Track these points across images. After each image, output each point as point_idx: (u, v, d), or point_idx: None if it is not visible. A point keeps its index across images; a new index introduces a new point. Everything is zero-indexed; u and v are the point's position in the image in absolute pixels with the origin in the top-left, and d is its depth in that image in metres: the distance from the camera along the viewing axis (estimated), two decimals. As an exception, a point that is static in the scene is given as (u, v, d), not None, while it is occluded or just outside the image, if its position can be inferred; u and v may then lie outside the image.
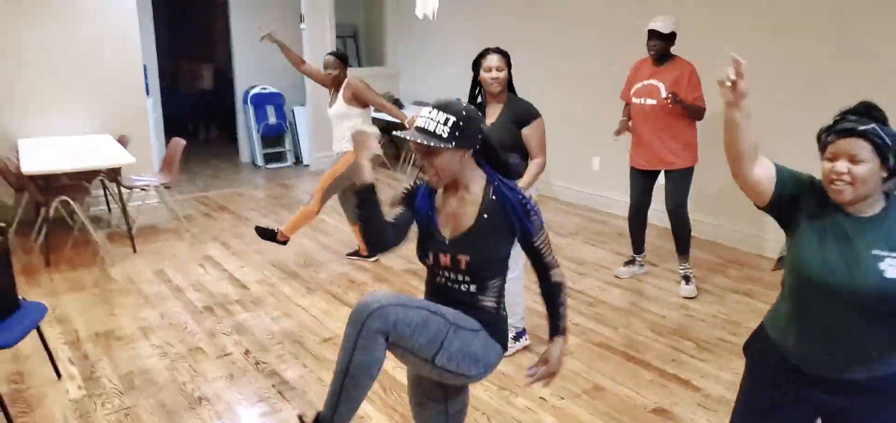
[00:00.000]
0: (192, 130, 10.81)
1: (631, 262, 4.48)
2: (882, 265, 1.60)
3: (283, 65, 4.45)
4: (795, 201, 1.72)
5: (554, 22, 6.19)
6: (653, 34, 3.91)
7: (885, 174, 1.63)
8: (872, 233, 1.63)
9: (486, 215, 1.84)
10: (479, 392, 3.08)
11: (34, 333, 3.02)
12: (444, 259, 1.85)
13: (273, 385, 3.16)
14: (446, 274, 1.87)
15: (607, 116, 4.93)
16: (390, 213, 1.90)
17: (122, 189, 5.11)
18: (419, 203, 1.92)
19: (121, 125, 5.88)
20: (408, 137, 1.83)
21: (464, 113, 1.80)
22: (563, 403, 3.00)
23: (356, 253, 4.86)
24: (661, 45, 3.91)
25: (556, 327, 2.00)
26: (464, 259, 1.82)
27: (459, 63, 7.12)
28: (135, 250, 5.00)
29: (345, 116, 4.47)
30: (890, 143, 1.61)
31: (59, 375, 3.18)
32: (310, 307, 4.03)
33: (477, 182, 1.87)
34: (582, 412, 2.93)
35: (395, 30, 8.44)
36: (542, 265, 1.93)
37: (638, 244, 4.43)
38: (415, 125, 1.83)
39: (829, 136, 1.66)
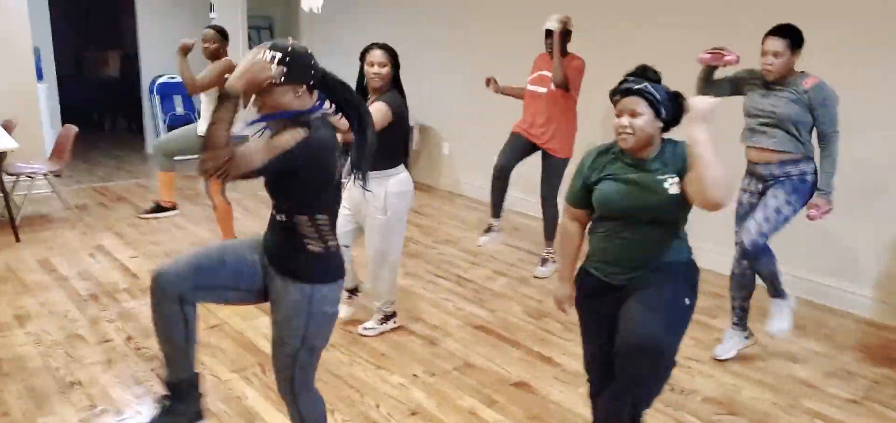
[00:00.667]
0: (98, 120, 10.47)
1: (489, 229, 4.44)
2: (667, 185, 2.05)
3: (194, 53, 4.40)
4: (590, 184, 2.20)
5: (476, 19, 6.37)
6: (548, 33, 4.23)
7: (660, 125, 2.04)
8: (654, 164, 2.07)
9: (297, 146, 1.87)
10: (356, 370, 3.22)
11: None
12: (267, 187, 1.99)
13: (152, 369, 3.19)
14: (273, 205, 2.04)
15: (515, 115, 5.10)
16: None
17: (5, 176, 4.96)
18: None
19: (7, 110, 5.67)
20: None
21: (289, 49, 1.89)
22: (433, 379, 3.18)
23: (157, 208, 4.98)
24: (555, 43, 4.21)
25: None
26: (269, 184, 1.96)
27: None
28: (18, 239, 4.87)
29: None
30: (660, 98, 2.01)
31: (-77, 362, 3.12)
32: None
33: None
34: (450, 387, 3.11)
35: (309, 23, 8.46)
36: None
37: (497, 208, 4.40)
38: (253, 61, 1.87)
39: (615, 96, 2.06)
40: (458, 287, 4.31)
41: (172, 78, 8.19)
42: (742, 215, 3.32)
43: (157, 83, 8.20)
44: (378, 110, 3.13)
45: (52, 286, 4.10)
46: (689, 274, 2.18)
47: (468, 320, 3.82)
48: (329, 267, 2.04)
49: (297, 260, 2.00)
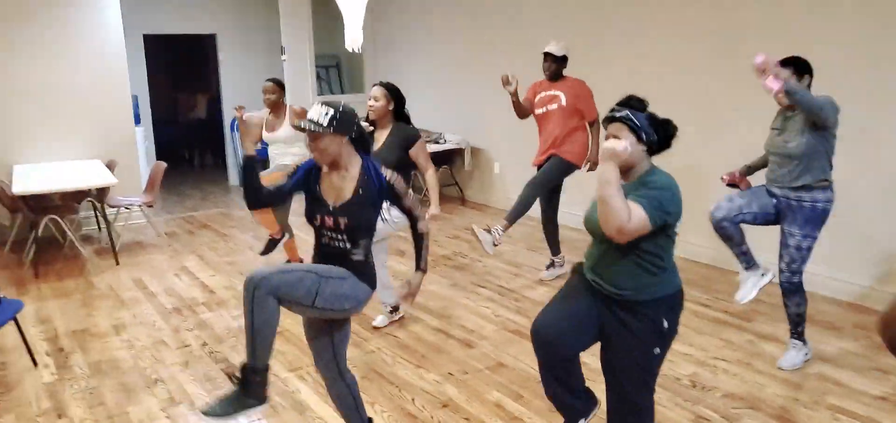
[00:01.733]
0: (188, 157, 11.44)
1: (551, 265, 4.92)
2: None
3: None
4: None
5: (523, 44, 6.70)
6: (547, 56, 4.51)
7: (643, 148, 2.22)
8: (631, 187, 2.22)
9: (361, 190, 2.40)
10: (398, 370, 3.56)
11: (16, 332, 3.54)
12: (329, 221, 2.41)
13: (221, 369, 3.64)
14: (329, 234, 2.43)
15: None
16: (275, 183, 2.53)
17: (108, 208, 5.66)
18: (300, 177, 2.50)
19: (110, 152, 6.45)
20: (302, 125, 2.38)
21: (341, 108, 2.39)
22: (466, 377, 3.47)
23: (270, 244, 5.10)
24: (556, 66, 4.50)
25: (418, 263, 2.59)
26: (343, 222, 2.38)
27: (434, 86, 7.67)
28: (118, 263, 5.54)
29: (294, 139, 4.95)
30: (639, 124, 2.21)
31: (35, 363, 3.69)
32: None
33: (354, 164, 2.43)
34: (480, 383, 3.39)
35: (374, 59, 9.01)
36: (410, 219, 2.54)
37: (554, 246, 4.87)
38: (307, 116, 2.40)
39: (604, 123, 2.30)
40: (497, 296, 4.58)
41: (251, 116, 8.90)
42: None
43: (236, 121, 8.95)
44: (422, 148, 3.77)
45: (143, 301, 4.68)
46: (661, 316, 2.25)
47: (504, 325, 4.09)
48: (364, 275, 2.48)
49: (349, 268, 2.46)
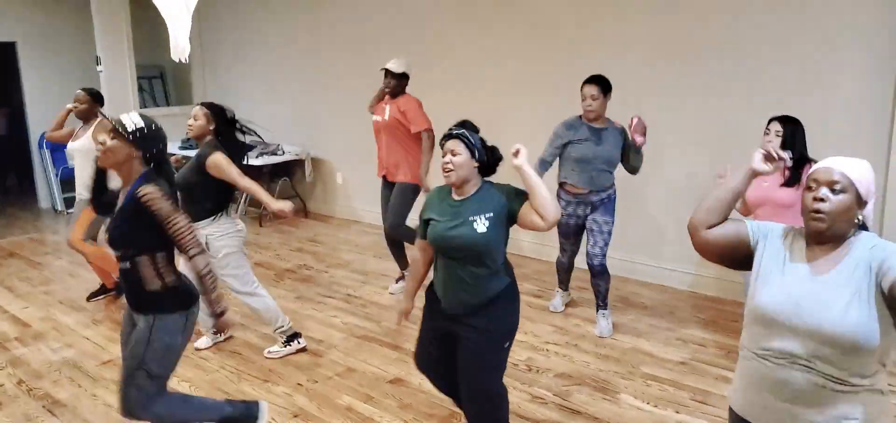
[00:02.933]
0: (-12, 179, 10.16)
1: (401, 279, 4.87)
2: (476, 225, 2.41)
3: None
4: (426, 219, 2.57)
5: (338, 62, 6.75)
6: (387, 73, 4.50)
7: (476, 165, 2.47)
8: (470, 205, 2.45)
9: (126, 203, 2.38)
10: (244, 386, 3.48)
11: None
12: (108, 233, 2.46)
13: (43, 406, 3.34)
14: (114, 251, 2.44)
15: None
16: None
17: None
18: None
19: None
20: (109, 118, 2.44)
21: (153, 126, 2.39)
22: (316, 385, 3.48)
23: (101, 291, 4.82)
24: (394, 83, 4.50)
25: (211, 313, 2.52)
26: (110, 231, 2.43)
27: (270, 95, 7.49)
28: None
29: (94, 153, 4.59)
30: (474, 142, 2.47)
31: None
32: (93, 336, 4.19)
33: (133, 179, 2.39)
34: (331, 390, 3.43)
35: (201, 69, 8.62)
36: (181, 250, 2.40)
37: (402, 260, 4.84)
38: (118, 118, 2.39)
39: (441, 141, 2.51)
40: (345, 304, 4.63)
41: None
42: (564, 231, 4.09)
43: (46, 138, 8.12)
44: (221, 163, 3.50)
45: (-61, 343, 4.13)
46: (505, 311, 2.54)
47: (352, 332, 4.15)
48: (168, 299, 2.43)
49: (144, 298, 2.42)
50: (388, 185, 4.69)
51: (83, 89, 4.76)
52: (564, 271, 4.32)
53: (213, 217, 3.60)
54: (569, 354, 3.77)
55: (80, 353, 3.95)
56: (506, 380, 3.40)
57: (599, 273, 3.96)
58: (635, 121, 3.67)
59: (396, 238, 4.69)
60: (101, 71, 7.63)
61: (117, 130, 2.34)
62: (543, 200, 2.32)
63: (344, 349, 3.89)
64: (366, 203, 6.82)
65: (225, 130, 3.65)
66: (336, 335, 4.10)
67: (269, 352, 3.83)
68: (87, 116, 4.66)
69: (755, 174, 1.82)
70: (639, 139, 3.69)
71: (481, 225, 2.41)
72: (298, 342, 3.88)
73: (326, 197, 7.28)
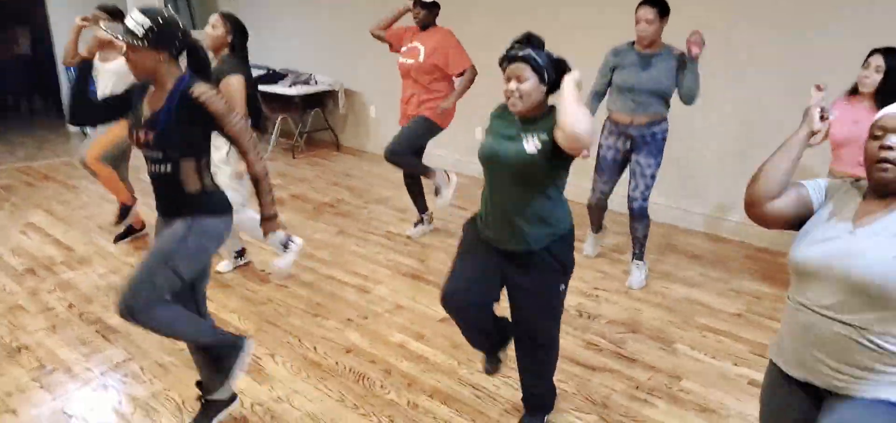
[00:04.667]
0: (14, 102, 10.12)
1: (419, 222, 4.69)
2: (525, 143, 2.18)
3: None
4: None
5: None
6: (416, 3, 4.23)
7: (544, 88, 2.19)
8: (535, 125, 2.21)
9: (170, 103, 2.19)
10: (294, 320, 3.46)
11: None
12: (141, 135, 2.24)
13: (96, 330, 3.34)
14: (148, 154, 2.27)
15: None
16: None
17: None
18: (128, 90, 2.35)
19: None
20: (111, 34, 2.23)
21: (159, 19, 2.17)
22: (366, 321, 3.46)
23: (123, 212, 4.56)
24: (424, 14, 4.23)
25: (262, 213, 2.44)
26: (152, 135, 2.21)
27: (304, 22, 7.29)
28: (-55, 221, 4.83)
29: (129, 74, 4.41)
30: (542, 63, 2.17)
31: None
32: (137, 263, 4.17)
33: (172, 80, 2.22)
34: (381, 326, 3.40)
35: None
36: (238, 152, 2.35)
37: (420, 204, 4.65)
38: (122, 26, 2.18)
39: (502, 62, 2.21)
40: (387, 240, 4.58)
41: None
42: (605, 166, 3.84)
43: (64, 64, 8.00)
44: (233, 87, 3.37)
45: (-15, 263, 4.14)
46: (560, 257, 2.32)
47: (398, 269, 4.10)
48: (210, 202, 2.34)
49: (182, 201, 2.30)
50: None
51: (100, 7, 4.32)
52: (594, 212, 4.01)
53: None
54: (619, 301, 3.71)
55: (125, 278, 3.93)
56: (557, 324, 3.39)
57: (638, 217, 3.77)
58: (694, 35, 3.40)
59: (396, 163, 4.38)
60: (129, -10, 7.47)
61: (129, 43, 2.15)
62: (565, 108, 2.05)
63: (391, 287, 3.86)
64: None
65: (240, 45, 3.54)
66: (382, 272, 4.06)
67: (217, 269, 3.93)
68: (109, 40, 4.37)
69: (812, 134, 1.70)
70: (694, 50, 3.39)
71: (531, 145, 2.16)
72: (294, 242, 3.81)
73: (358, 131, 7.16)
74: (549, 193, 2.27)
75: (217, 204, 2.34)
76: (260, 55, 8.16)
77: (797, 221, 1.69)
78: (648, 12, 3.51)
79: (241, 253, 4.08)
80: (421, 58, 4.23)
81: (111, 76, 4.42)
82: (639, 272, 3.91)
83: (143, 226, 4.64)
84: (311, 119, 7.16)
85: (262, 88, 6.60)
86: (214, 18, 3.52)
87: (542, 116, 2.21)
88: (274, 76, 7.00)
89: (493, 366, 2.70)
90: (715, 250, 4.47)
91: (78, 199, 5.45)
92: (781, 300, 3.71)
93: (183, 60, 2.31)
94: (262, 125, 3.66)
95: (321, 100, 7.09)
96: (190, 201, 2.28)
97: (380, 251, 4.39)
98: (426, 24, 4.28)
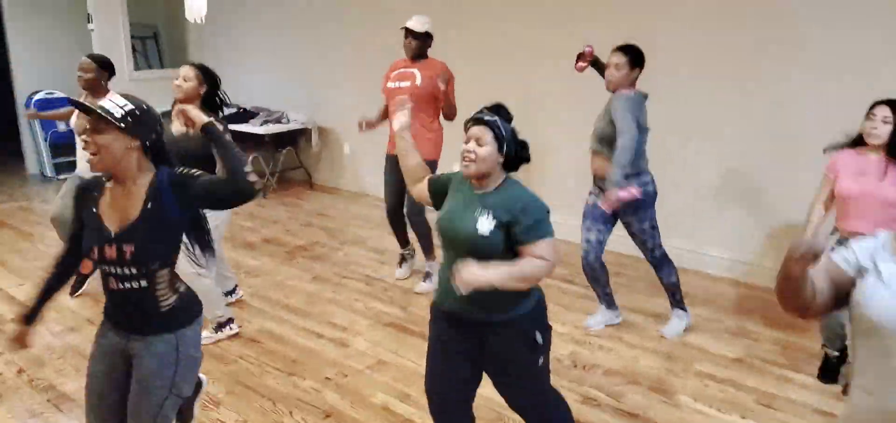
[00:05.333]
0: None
1: (402, 260, 4.50)
2: (479, 224, 2.05)
3: (69, 66, 4.02)
4: (445, 190, 2.24)
5: (349, 25, 6.36)
6: (408, 32, 4.06)
7: (501, 159, 2.11)
8: (487, 199, 2.10)
9: (150, 204, 1.92)
10: (268, 380, 3.20)
11: None
12: (110, 251, 1.91)
13: (48, 400, 3.04)
14: (115, 271, 1.94)
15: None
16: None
17: None
18: (80, 203, 2.03)
19: None
20: (88, 105, 1.92)
21: (144, 106, 1.95)
22: (346, 380, 3.21)
23: (80, 280, 4.28)
24: (417, 44, 4.06)
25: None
26: (129, 249, 1.90)
27: (275, 59, 7.08)
28: None
29: None
30: (505, 134, 2.10)
31: None
32: (97, 319, 3.85)
33: (145, 175, 1.96)
34: (363, 385, 3.15)
35: (198, 29, 8.17)
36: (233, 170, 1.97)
37: (402, 239, 4.46)
38: (99, 104, 1.91)
39: (467, 123, 2.15)
40: (365, 286, 4.34)
41: (50, 93, 7.70)
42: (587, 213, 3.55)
43: (34, 100, 7.68)
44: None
45: (-73, 324, 3.80)
46: (529, 334, 2.16)
47: (378, 319, 3.86)
48: (188, 309, 2.08)
49: (157, 316, 2.01)
50: (396, 162, 4.22)
51: (89, 56, 4.11)
52: (589, 277, 3.58)
53: None
54: (614, 348, 3.52)
55: (85, 338, 3.63)
56: (553, 378, 3.16)
57: (658, 267, 3.55)
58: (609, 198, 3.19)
59: (416, 226, 4.24)
60: (92, 29, 7.19)
61: (103, 119, 1.86)
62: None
63: (371, 339, 3.61)
64: (374, 176, 6.46)
65: (211, 97, 3.36)
66: (361, 322, 3.82)
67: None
68: (93, 88, 4.02)
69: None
70: (605, 207, 3.27)
71: (485, 224, 2.04)
72: (231, 328, 3.60)
73: (333, 168, 6.93)
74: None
75: (193, 309, 2.10)
76: (230, 93, 7.89)
77: (843, 296, 1.55)
78: (618, 58, 3.33)
79: (223, 324, 3.64)
80: (418, 81, 4.04)
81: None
82: (677, 321, 3.64)
83: (91, 270, 4.27)
84: (283, 158, 6.91)
85: (232, 126, 6.34)
86: (185, 70, 3.30)
87: (497, 191, 2.12)
88: (245, 115, 6.76)
89: None
90: (705, 287, 4.31)
91: (34, 248, 5.12)
92: (780, 342, 3.55)
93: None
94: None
95: (294, 138, 6.86)
96: (167, 317, 2.01)
97: (358, 298, 4.14)
98: (418, 55, 4.11)
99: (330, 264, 4.74)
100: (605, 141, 3.31)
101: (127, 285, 1.95)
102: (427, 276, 4.31)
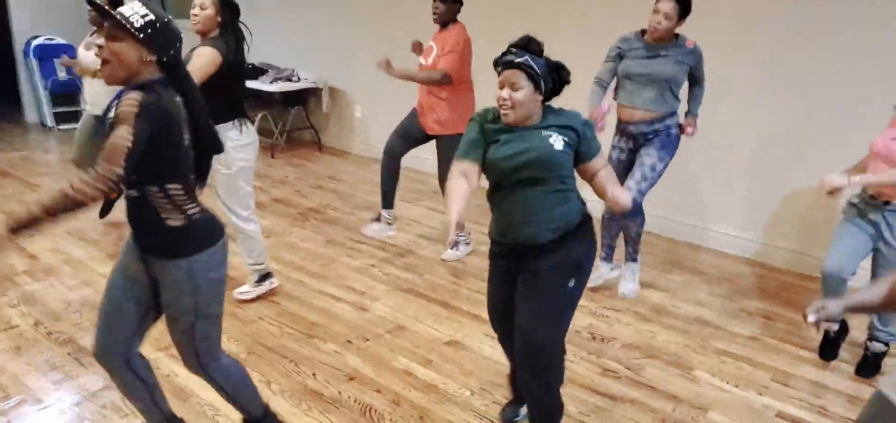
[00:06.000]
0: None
1: (377, 219, 4.48)
2: (552, 140, 2.11)
3: (72, 9, 4.03)
4: (483, 145, 2.18)
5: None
6: None
7: (540, 97, 2.10)
8: (536, 129, 2.13)
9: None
10: (288, 341, 3.19)
11: None
12: None
13: (68, 353, 3.02)
14: None
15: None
16: None
17: None
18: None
19: None
20: (106, 8, 1.82)
21: (166, 19, 1.83)
22: (367, 344, 3.21)
23: (107, 206, 4.41)
24: (444, 8, 3.94)
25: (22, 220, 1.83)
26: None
27: (287, 16, 6.95)
28: None
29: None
30: (539, 72, 2.06)
31: None
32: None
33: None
34: (384, 350, 3.16)
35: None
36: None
37: (387, 199, 4.38)
38: (118, 9, 1.81)
39: (497, 66, 2.09)
40: (381, 252, 4.32)
41: (50, 39, 7.54)
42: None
43: (32, 45, 7.51)
44: (201, 57, 3.00)
45: (-61, 272, 3.76)
46: (577, 247, 2.20)
47: (396, 284, 3.86)
48: (199, 235, 1.97)
49: (165, 238, 1.93)
50: (417, 123, 4.19)
51: None
52: (607, 230, 3.76)
53: (233, 122, 3.19)
54: (631, 322, 3.54)
55: (98, 292, 3.60)
56: (572, 348, 3.20)
57: (636, 212, 3.57)
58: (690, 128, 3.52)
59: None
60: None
61: (120, 25, 1.77)
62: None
63: (390, 304, 3.61)
64: (384, 140, 6.43)
65: (232, 25, 3.16)
66: (378, 287, 3.81)
67: (240, 292, 3.53)
68: (99, 23, 4.12)
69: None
70: (689, 130, 3.52)
71: (558, 142, 2.09)
72: (270, 282, 3.60)
73: (342, 131, 6.86)
74: (567, 179, 2.18)
75: (203, 235, 1.98)
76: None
77: None
78: (667, 6, 3.31)
79: (263, 277, 3.59)
80: (430, 59, 3.99)
81: (92, 63, 4.10)
82: (632, 280, 3.77)
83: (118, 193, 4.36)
84: (292, 117, 6.83)
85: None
86: None
87: (544, 121, 2.15)
88: (254, 71, 6.67)
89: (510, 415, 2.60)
90: (721, 266, 4.34)
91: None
92: (795, 322, 3.59)
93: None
94: (244, 114, 3.29)
95: (303, 97, 6.78)
96: (175, 237, 1.92)
97: (374, 264, 4.13)
98: (446, 20, 3.98)
99: (343, 228, 4.72)
100: (662, 83, 3.38)
101: (128, 192, 1.91)
102: (454, 244, 4.23)
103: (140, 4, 1.83)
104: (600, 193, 2.22)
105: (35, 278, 3.74)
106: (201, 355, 2.10)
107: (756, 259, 4.42)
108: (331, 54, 6.66)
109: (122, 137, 1.72)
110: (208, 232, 2.00)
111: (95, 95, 4.26)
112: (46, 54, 7.50)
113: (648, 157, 3.47)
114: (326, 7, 6.59)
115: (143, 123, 1.75)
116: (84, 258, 4.03)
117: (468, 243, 4.32)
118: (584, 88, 3.40)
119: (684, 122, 3.56)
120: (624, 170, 3.58)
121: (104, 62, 1.82)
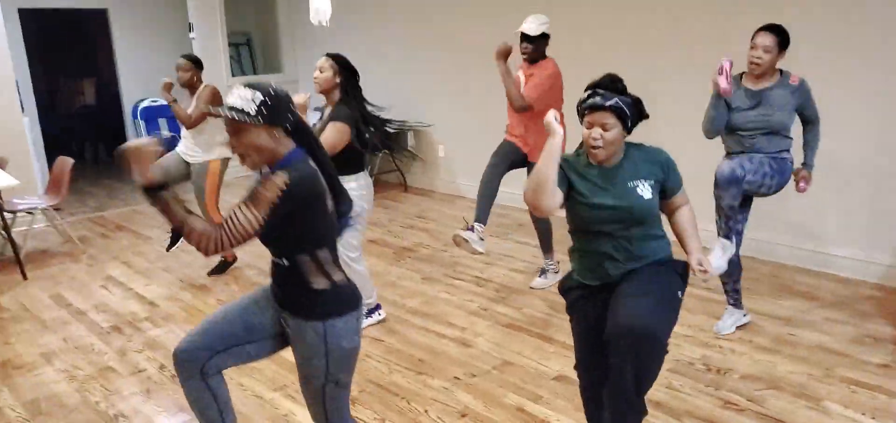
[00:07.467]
0: (78, 150, 10.26)
1: (544, 271, 4.32)
2: (640, 190, 2.15)
3: (173, 74, 4.43)
4: (569, 185, 2.18)
5: (444, 27, 6.39)
6: (523, 37, 3.95)
7: (626, 135, 2.15)
8: (623, 172, 2.17)
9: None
10: (397, 378, 3.23)
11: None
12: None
13: (192, 395, 3.16)
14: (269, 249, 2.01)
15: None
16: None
17: (5, 214, 4.84)
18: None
19: (-5, 147, 5.53)
20: (220, 112, 1.89)
21: (271, 91, 1.87)
22: (475, 380, 3.21)
23: (222, 265, 4.75)
24: (532, 48, 3.96)
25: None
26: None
27: (371, 62, 7.17)
28: (25, 277, 4.76)
29: (205, 130, 4.44)
30: (628, 112, 2.09)
31: (-43, 409, 3.04)
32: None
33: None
34: (492, 386, 3.14)
35: (290, 36, 8.40)
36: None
37: (482, 214, 4.05)
38: (227, 103, 1.87)
39: (582, 108, 2.11)
40: (477, 287, 4.34)
41: (155, 101, 8.08)
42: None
43: (140, 108, 8.08)
44: (335, 132, 3.29)
45: (71, 321, 4.03)
46: (674, 267, 2.23)
47: (496, 320, 3.85)
48: (339, 300, 2.00)
49: (307, 299, 1.98)
50: (516, 149, 4.11)
51: (184, 56, 4.51)
52: (728, 270, 3.29)
53: (355, 174, 3.43)
54: (747, 352, 3.39)
55: (214, 336, 3.77)
56: (688, 381, 3.09)
57: (738, 243, 3.42)
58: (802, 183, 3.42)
59: (535, 222, 4.23)
60: (193, 38, 7.51)
61: (237, 121, 1.83)
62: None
63: (492, 339, 3.61)
64: (469, 179, 6.50)
65: (352, 85, 3.43)
66: (479, 323, 3.81)
67: None
68: (190, 84, 4.46)
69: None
70: (802, 186, 3.42)
71: (646, 190, 2.15)
72: (378, 314, 3.79)
73: (427, 171, 6.98)
74: (656, 225, 2.24)
75: (344, 301, 2.02)
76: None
77: None
78: (766, 40, 3.20)
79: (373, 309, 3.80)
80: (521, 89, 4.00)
81: (189, 135, 4.45)
82: (729, 317, 3.63)
83: (235, 258, 4.78)
84: (379, 161, 7.01)
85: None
86: (321, 61, 3.43)
87: (627, 158, 2.19)
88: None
89: None
90: (834, 289, 4.10)
91: (154, 250, 5.36)
92: (931, 348, 3.34)
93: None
94: (370, 148, 3.55)
95: (389, 140, 6.93)
96: (315, 300, 1.97)
97: (472, 299, 4.15)
98: (534, 58, 3.99)
99: (438, 265, 4.77)
100: (775, 130, 3.25)
101: (279, 262, 1.99)
102: (542, 272, 4.30)
103: (243, 89, 1.86)
104: (679, 235, 2.29)
105: (155, 324, 3.96)
106: (330, 416, 2.10)
107: (874, 281, 4.16)
108: (411, 96, 6.82)
109: (250, 219, 1.82)
110: (347, 299, 2.03)
111: (190, 147, 4.51)
112: (151, 115, 8.04)
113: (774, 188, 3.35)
114: (405, 49, 6.77)
115: (285, 205, 1.83)
116: (199, 305, 4.23)
117: (556, 272, 4.27)
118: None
119: (797, 174, 3.40)
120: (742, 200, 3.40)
121: (242, 157, 1.89)
